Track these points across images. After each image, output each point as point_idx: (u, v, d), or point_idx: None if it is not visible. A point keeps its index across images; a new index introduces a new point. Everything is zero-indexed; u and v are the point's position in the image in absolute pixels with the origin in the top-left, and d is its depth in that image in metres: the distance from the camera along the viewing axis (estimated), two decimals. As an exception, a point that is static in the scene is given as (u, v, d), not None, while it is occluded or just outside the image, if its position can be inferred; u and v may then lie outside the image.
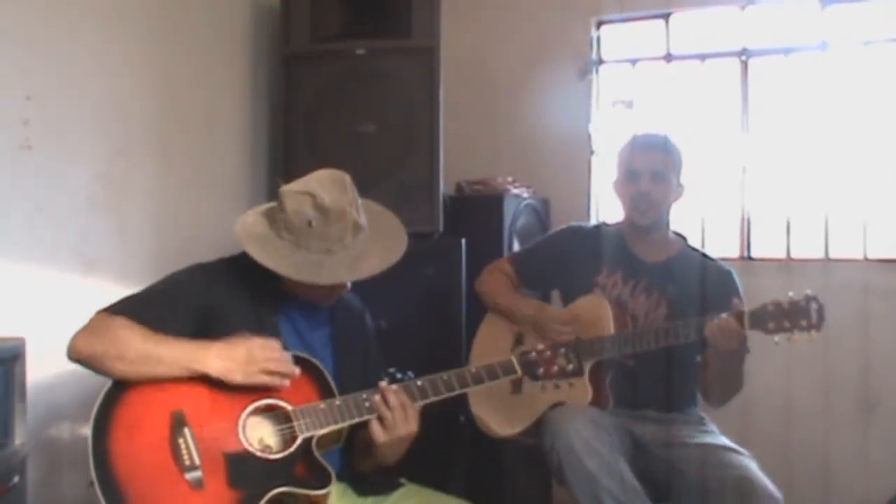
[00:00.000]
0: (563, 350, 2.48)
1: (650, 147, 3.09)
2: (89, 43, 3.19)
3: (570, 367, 2.47)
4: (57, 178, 3.06)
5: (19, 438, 2.42)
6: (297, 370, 2.31)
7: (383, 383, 2.36)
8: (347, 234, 2.41)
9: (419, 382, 2.40)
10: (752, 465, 2.77)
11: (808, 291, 2.67)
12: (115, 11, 3.31)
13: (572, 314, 3.05)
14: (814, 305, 2.65)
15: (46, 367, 2.69)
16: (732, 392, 2.99)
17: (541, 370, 2.47)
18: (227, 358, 2.27)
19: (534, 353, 2.48)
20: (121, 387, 2.26)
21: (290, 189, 2.43)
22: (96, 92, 3.23)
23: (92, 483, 2.13)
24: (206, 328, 2.38)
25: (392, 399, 2.33)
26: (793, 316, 2.66)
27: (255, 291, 2.47)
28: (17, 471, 2.39)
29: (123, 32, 3.34)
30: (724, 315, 2.73)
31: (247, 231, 2.46)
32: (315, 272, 2.38)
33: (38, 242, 2.99)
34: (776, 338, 2.68)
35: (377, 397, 2.34)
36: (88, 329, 2.31)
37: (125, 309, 2.33)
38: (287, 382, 2.30)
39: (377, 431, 2.31)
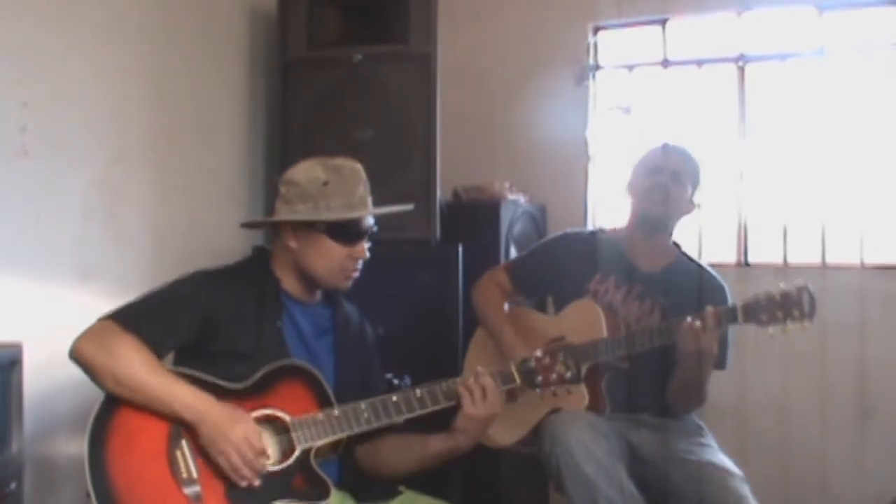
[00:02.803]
0: (561, 357, 2.47)
1: (676, 151, 3.12)
2: (86, 50, 3.19)
3: (569, 374, 2.46)
4: (54, 185, 3.05)
5: (16, 445, 2.41)
6: (255, 482, 2.24)
7: (480, 367, 2.45)
8: (362, 188, 2.50)
9: (417, 393, 2.40)
10: (746, 492, 2.77)
11: (799, 281, 2.68)
12: (112, 19, 3.30)
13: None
14: (805, 296, 2.66)
15: (44, 375, 2.70)
16: (689, 403, 2.99)
17: (539, 378, 2.46)
18: (210, 423, 2.22)
19: (532, 361, 2.47)
20: (117, 398, 2.26)
21: (294, 166, 2.53)
22: (93, 99, 3.23)
23: (89, 495, 2.13)
24: (210, 335, 2.39)
25: (474, 382, 2.41)
26: (785, 306, 2.66)
27: (259, 298, 2.48)
28: (14, 478, 2.39)
29: (120, 40, 3.34)
30: (689, 318, 2.74)
31: (263, 219, 2.53)
32: (345, 214, 2.45)
33: (35, 249, 2.98)
34: (770, 329, 2.68)
35: (461, 379, 2.42)
36: (94, 336, 2.30)
37: (131, 323, 2.31)
38: (240, 483, 2.23)
39: (466, 410, 2.39)
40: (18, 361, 2.43)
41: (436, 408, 2.42)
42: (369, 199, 2.52)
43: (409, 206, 2.71)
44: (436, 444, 2.47)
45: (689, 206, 3.12)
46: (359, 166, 2.53)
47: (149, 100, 3.50)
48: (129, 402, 2.24)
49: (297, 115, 3.89)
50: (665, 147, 3.14)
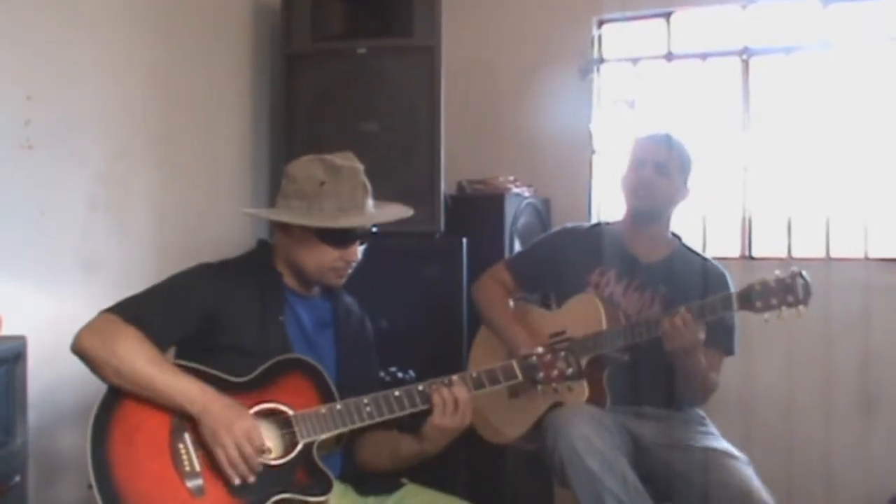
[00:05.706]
0: (562, 354, 2.47)
1: (658, 141, 3.13)
2: (91, 43, 3.19)
3: (570, 370, 2.47)
4: (58, 178, 3.05)
5: (20, 438, 2.41)
6: (250, 479, 2.22)
7: (455, 376, 2.41)
8: (359, 192, 2.46)
9: (420, 387, 2.40)
10: (750, 473, 2.77)
11: (794, 268, 2.68)
12: (117, 12, 3.30)
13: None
14: (800, 281, 2.65)
15: (48, 368, 2.69)
16: (697, 394, 3.00)
17: (541, 374, 2.47)
18: (212, 414, 2.21)
19: (534, 357, 2.48)
20: (120, 390, 2.26)
21: (298, 160, 2.51)
22: (98, 92, 3.23)
23: (91, 486, 2.14)
24: (213, 329, 2.40)
25: (447, 392, 2.37)
26: (780, 293, 2.66)
27: (261, 292, 2.48)
28: (18, 470, 2.39)
29: (125, 32, 3.34)
30: (670, 315, 2.76)
31: (257, 210, 2.54)
32: (331, 221, 2.42)
33: (40, 242, 2.98)
34: (765, 316, 2.68)
35: (436, 387, 2.38)
36: (96, 329, 2.30)
37: (133, 316, 2.31)
38: (234, 479, 2.21)
39: (434, 419, 2.36)
40: (23, 354, 2.43)
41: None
42: (368, 202, 2.49)
43: (409, 212, 2.65)
44: (405, 446, 2.47)
45: (681, 193, 3.12)
46: (359, 167, 2.50)
47: (153, 93, 3.50)
48: (131, 395, 2.25)
49: (301, 108, 3.88)
50: (645, 139, 3.16)
